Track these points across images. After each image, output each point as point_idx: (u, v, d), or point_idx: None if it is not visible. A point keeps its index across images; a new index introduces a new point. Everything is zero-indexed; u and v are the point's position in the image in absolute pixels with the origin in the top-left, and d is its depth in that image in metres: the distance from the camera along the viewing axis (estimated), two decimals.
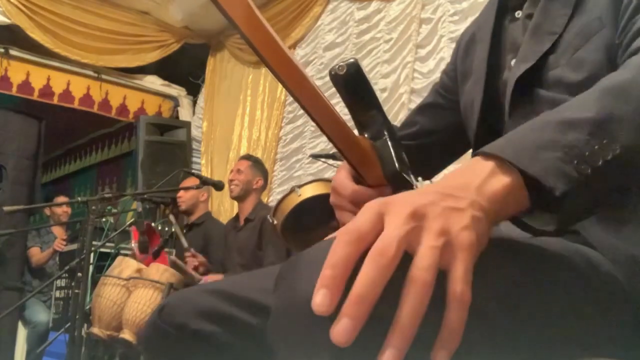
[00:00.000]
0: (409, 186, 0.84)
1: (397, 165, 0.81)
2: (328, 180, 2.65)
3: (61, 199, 5.00)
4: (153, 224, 3.41)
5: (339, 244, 0.47)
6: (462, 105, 1.05)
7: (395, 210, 0.48)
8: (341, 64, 0.81)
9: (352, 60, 0.82)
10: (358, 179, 0.86)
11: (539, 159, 0.56)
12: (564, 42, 0.86)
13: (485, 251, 0.52)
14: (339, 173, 0.90)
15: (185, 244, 3.32)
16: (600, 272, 0.67)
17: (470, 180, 0.55)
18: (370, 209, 0.49)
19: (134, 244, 3.42)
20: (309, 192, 2.54)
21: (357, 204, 0.85)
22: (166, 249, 3.43)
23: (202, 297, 0.92)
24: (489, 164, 0.57)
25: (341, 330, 0.44)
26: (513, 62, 0.93)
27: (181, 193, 3.73)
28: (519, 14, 0.96)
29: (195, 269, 3.28)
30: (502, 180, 0.55)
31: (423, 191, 0.52)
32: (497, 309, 0.54)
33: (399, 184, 0.83)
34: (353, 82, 0.82)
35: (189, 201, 3.77)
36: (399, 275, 0.46)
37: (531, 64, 0.86)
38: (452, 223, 0.49)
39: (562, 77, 0.84)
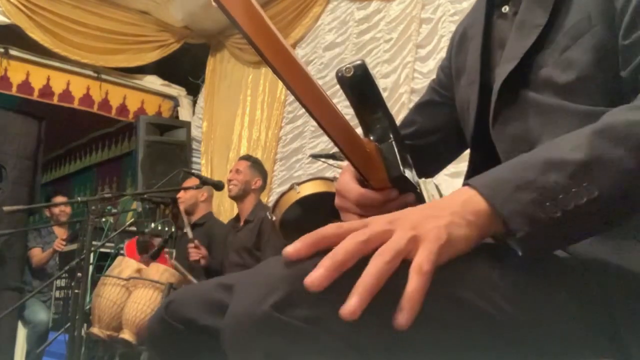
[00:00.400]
0: (412, 188, 0.85)
1: (402, 168, 0.81)
2: (327, 179, 2.65)
3: (59, 198, 5.00)
4: (152, 224, 3.40)
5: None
6: (457, 103, 1.05)
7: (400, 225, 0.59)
8: (348, 65, 0.81)
9: (359, 62, 0.82)
10: (363, 181, 0.86)
11: (512, 199, 0.62)
12: (552, 40, 0.85)
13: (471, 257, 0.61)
14: (343, 175, 0.90)
15: (190, 234, 3.33)
16: (576, 275, 0.69)
17: (454, 201, 0.64)
18: (381, 223, 0.59)
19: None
20: (307, 189, 2.55)
21: (362, 206, 0.85)
22: (166, 249, 3.43)
23: (209, 291, 0.90)
24: (472, 192, 0.64)
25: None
26: (500, 56, 0.92)
27: (181, 193, 3.73)
28: (505, 9, 0.95)
29: (197, 261, 3.29)
30: (480, 204, 0.63)
31: (420, 211, 0.62)
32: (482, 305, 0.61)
33: (404, 187, 0.84)
34: (360, 84, 0.82)
35: (188, 201, 3.77)
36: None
37: (516, 62, 0.85)
38: (428, 224, 0.59)
39: (550, 77, 0.83)
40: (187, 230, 3.37)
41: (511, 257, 0.67)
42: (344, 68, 0.81)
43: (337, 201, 0.90)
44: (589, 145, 0.64)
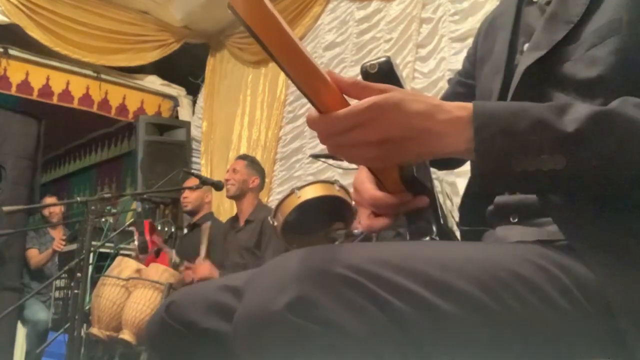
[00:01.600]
0: (425, 191, 0.84)
1: (414, 171, 0.81)
2: (328, 182, 2.65)
3: (49, 199, 5.00)
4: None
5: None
6: (478, 91, 1.05)
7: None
8: (373, 61, 0.80)
9: (384, 58, 0.81)
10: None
11: (492, 140, 0.68)
12: (580, 36, 0.84)
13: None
14: (358, 173, 0.89)
15: (202, 253, 3.29)
16: (573, 275, 0.70)
17: (436, 132, 0.69)
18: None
19: (136, 242, 3.41)
20: (308, 193, 2.54)
21: (375, 208, 0.84)
22: (166, 250, 3.42)
23: (212, 293, 0.90)
24: (465, 122, 0.70)
25: None
26: (525, 46, 0.91)
27: (187, 193, 3.71)
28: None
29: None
30: (466, 130, 0.70)
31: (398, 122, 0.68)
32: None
33: (417, 189, 0.83)
34: (384, 82, 0.80)
35: (195, 202, 3.77)
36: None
37: (543, 52, 0.85)
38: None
39: (572, 72, 0.83)
40: (202, 248, 3.33)
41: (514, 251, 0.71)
42: (369, 64, 0.80)
43: (354, 196, 0.90)
44: (583, 122, 0.68)
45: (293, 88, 4.49)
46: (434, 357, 0.61)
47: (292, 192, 2.49)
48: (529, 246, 0.75)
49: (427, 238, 0.83)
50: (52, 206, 4.85)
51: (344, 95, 0.68)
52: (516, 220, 0.86)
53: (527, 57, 0.87)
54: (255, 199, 3.48)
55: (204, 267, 3.14)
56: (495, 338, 0.65)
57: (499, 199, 0.89)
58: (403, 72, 3.56)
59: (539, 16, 0.91)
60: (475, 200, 0.94)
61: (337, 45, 4.16)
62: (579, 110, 0.70)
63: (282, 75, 4.57)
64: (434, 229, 0.84)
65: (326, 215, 2.45)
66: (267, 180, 4.04)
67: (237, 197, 3.45)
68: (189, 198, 3.74)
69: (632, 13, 0.81)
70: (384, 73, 0.79)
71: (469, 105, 0.71)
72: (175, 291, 1.04)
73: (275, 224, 2.51)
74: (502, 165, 0.68)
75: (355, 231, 2.36)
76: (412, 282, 0.61)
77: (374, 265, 0.60)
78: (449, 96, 1.14)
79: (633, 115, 0.69)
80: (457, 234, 0.96)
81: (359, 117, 0.65)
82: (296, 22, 4.42)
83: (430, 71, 3.42)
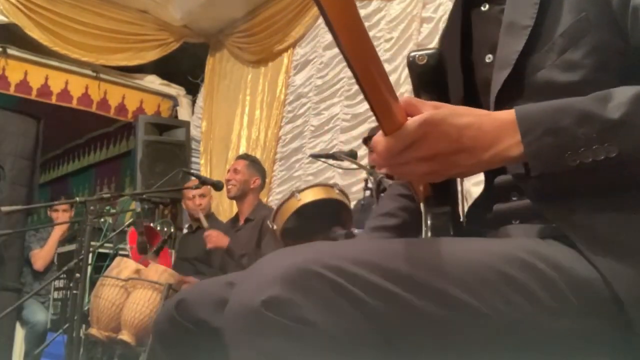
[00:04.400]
0: (450, 192, 0.88)
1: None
2: (327, 185, 2.64)
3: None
4: (152, 224, 3.38)
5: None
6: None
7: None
8: (422, 53, 0.81)
9: (434, 50, 0.81)
10: None
11: (541, 140, 0.69)
12: (546, 41, 0.82)
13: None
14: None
15: (205, 224, 3.36)
16: (568, 274, 0.70)
17: (486, 140, 0.71)
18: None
19: (129, 247, 3.41)
20: (308, 196, 2.53)
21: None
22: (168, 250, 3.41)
23: (220, 290, 0.90)
24: (511, 126, 0.71)
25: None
26: (488, 58, 0.91)
27: (199, 201, 3.71)
28: (485, 6, 0.93)
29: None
30: (514, 137, 0.71)
31: (451, 139, 0.69)
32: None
33: (441, 192, 0.88)
34: (429, 75, 0.81)
35: (207, 206, 3.76)
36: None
37: (510, 69, 0.83)
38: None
39: (550, 78, 0.81)
40: (203, 222, 3.40)
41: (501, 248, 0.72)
42: (417, 55, 0.81)
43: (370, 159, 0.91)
44: (627, 107, 0.68)
45: (292, 88, 4.48)
46: (411, 355, 0.63)
47: (292, 195, 2.48)
48: (520, 243, 0.75)
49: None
50: (51, 206, 4.83)
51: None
52: (518, 222, 0.86)
53: (498, 75, 0.85)
54: (256, 199, 3.47)
55: (215, 235, 3.19)
56: (477, 338, 0.65)
57: (497, 206, 0.89)
58: (404, 72, 3.55)
59: (497, 26, 0.88)
60: (482, 209, 0.93)
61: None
62: (621, 95, 0.70)
63: (282, 75, 4.56)
64: (451, 232, 0.86)
65: (325, 218, 2.45)
66: (266, 179, 4.03)
67: (239, 198, 3.43)
68: (204, 204, 3.74)
69: (596, 8, 0.79)
70: (431, 66, 0.80)
71: (512, 110, 0.72)
72: (186, 289, 1.05)
73: (275, 227, 2.50)
74: (556, 163, 0.69)
75: (355, 232, 2.36)
76: (391, 282, 0.62)
77: (352, 265, 0.62)
78: None
79: None
80: None
81: (413, 135, 0.67)
82: (296, 21, 4.41)
83: None
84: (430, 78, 0.83)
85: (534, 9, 0.83)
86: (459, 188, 0.91)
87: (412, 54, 0.82)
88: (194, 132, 5.24)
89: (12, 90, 4.62)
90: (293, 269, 0.61)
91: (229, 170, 3.53)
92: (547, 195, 0.74)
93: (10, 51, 4.57)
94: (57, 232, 4.64)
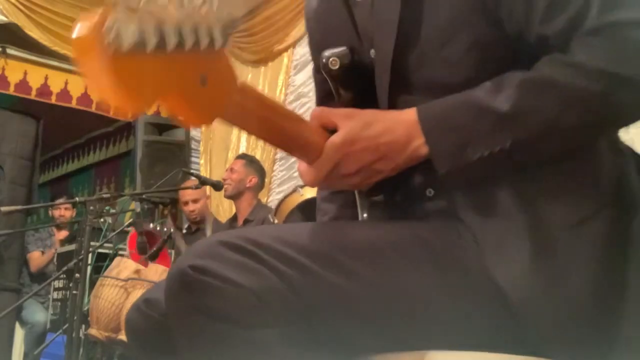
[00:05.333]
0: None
1: None
2: None
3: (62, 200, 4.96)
4: (151, 225, 3.38)
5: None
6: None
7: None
8: (333, 56, 0.81)
9: (343, 50, 0.82)
10: None
11: (443, 139, 0.75)
12: (419, 37, 0.79)
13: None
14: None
15: (182, 247, 3.28)
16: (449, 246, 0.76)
17: (399, 144, 0.76)
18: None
19: (129, 252, 3.40)
20: (311, 192, 2.52)
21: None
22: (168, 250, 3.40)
23: None
24: (415, 129, 0.76)
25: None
26: (372, 53, 0.85)
27: (192, 207, 3.69)
28: None
29: None
30: (418, 137, 0.76)
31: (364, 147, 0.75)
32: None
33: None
34: (344, 75, 0.83)
35: (200, 210, 3.74)
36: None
37: (388, 73, 0.81)
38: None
39: (433, 79, 0.79)
40: (179, 242, 3.32)
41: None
42: (330, 59, 0.81)
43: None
44: (516, 96, 0.72)
45: (292, 88, 4.48)
46: (321, 316, 0.70)
47: (295, 190, 2.48)
48: (433, 225, 0.81)
49: None
50: (50, 206, 4.82)
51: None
52: (432, 194, 0.85)
53: (382, 77, 0.83)
54: (253, 198, 3.46)
55: None
56: (371, 306, 0.72)
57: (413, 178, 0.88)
58: None
59: (370, 18, 0.84)
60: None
61: None
62: (510, 82, 0.73)
63: (282, 75, 4.56)
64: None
65: None
66: (266, 180, 4.02)
67: (235, 197, 3.43)
68: (197, 211, 3.72)
69: (470, 2, 0.76)
70: (345, 67, 0.82)
71: (415, 110, 0.76)
72: (149, 288, 1.07)
73: (277, 222, 2.49)
74: (459, 159, 0.74)
75: None
76: (297, 253, 0.70)
77: (268, 239, 0.71)
78: (323, 96, 1.01)
79: (561, 75, 0.72)
80: None
81: (333, 159, 0.74)
82: (296, 21, 4.41)
83: None
84: (346, 78, 0.83)
85: (398, 3, 0.78)
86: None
87: (324, 56, 0.81)
88: (193, 132, 5.24)
89: (11, 90, 4.62)
90: (212, 243, 0.70)
91: (226, 171, 3.53)
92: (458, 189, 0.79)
93: (10, 51, 4.57)
94: (60, 236, 4.65)
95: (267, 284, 0.68)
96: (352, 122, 0.75)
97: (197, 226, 3.75)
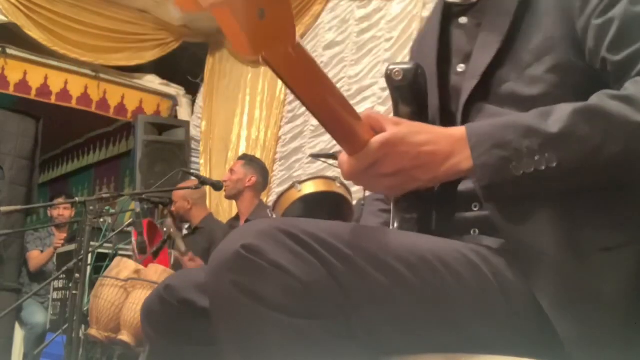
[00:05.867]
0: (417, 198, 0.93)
1: None
2: (328, 178, 2.62)
3: (60, 199, 4.95)
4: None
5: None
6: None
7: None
8: (398, 68, 0.87)
9: (410, 65, 0.87)
10: None
11: (488, 154, 0.78)
12: (514, 57, 0.91)
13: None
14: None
15: (182, 247, 3.26)
16: (494, 267, 0.80)
17: (441, 155, 0.79)
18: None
19: (134, 241, 3.38)
20: (309, 188, 2.52)
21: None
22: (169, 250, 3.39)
23: (203, 275, 0.94)
24: (462, 143, 0.80)
25: None
26: (460, 67, 0.98)
27: (174, 207, 3.70)
28: (464, 20, 1.00)
29: None
30: (464, 152, 0.80)
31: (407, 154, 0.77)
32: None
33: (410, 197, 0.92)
34: (405, 90, 0.88)
35: (180, 210, 3.74)
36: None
37: (477, 81, 0.92)
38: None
39: (514, 91, 0.90)
40: (179, 243, 3.29)
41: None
42: (395, 69, 0.87)
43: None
44: (566, 121, 0.76)
45: None
46: (362, 312, 0.72)
47: (292, 186, 2.47)
48: (469, 244, 0.85)
49: None
50: (49, 206, 4.82)
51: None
52: (477, 233, 0.92)
53: (467, 84, 0.94)
54: (254, 197, 3.45)
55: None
56: (411, 307, 0.74)
57: (459, 215, 0.95)
58: None
59: (473, 39, 0.97)
60: (444, 216, 0.99)
61: (337, 44, 4.14)
62: (561, 110, 0.78)
63: None
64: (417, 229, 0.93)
65: (325, 211, 2.44)
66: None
67: (235, 197, 3.43)
68: (175, 209, 3.74)
69: (562, 30, 0.88)
70: (408, 81, 0.86)
71: (464, 127, 0.81)
72: (169, 276, 1.12)
73: (274, 217, 2.48)
74: (502, 173, 0.77)
75: None
76: (351, 251, 0.72)
77: (323, 233, 0.72)
78: None
79: (611, 106, 0.77)
80: None
81: (374, 155, 0.75)
82: (296, 20, 4.37)
83: None
84: (407, 93, 0.88)
85: (506, 28, 0.92)
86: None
87: (390, 67, 0.87)
88: (193, 132, 5.23)
89: (11, 90, 4.61)
90: (269, 227, 0.71)
91: (227, 172, 3.52)
92: (498, 203, 0.82)
93: (9, 51, 4.56)
94: (60, 237, 4.64)
95: (316, 276, 0.69)
96: (399, 127, 0.77)
97: (196, 224, 3.75)
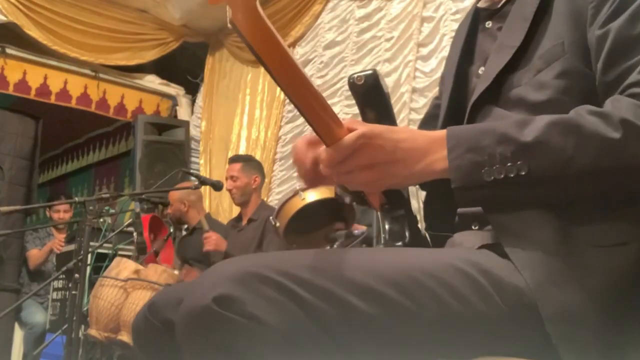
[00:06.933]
0: (402, 200, 0.94)
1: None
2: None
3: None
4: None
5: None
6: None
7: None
8: (360, 74, 0.88)
9: (371, 71, 0.88)
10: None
11: (463, 156, 0.79)
12: (526, 62, 0.92)
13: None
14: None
15: (206, 226, 3.25)
16: (494, 279, 0.77)
17: (417, 152, 0.81)
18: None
19: (135, 241, 3.39)
20: (312, 195, 2.51)
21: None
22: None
23: (185, 291, 0.92)
24: (440, 143, 0.81)
25: None
26: (481, 70, 1.00)
27: (170, 209, 3.70)
28: (489, 24, 1.03)
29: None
30: (442, 151, 0.81)
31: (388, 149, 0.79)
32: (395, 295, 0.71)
33: (394, 198, 0.93)
34: (369, 94, 0.88)
35: (176, 213, 3.74)
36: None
37: (489, 83, 0.94)
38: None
39: (522, 95, 0.91)
40: (204, 222, 3.29)
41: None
42: (356, 76, 0.88)
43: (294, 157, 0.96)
44: (540, 131, 0.78)
45: None
46: (351, 352, 0.68)
47: (296, 194, 2.46)
48: (455, 252, 0.84)
49: (400, 243, 0.92)
50: (50, 206, 4.81)
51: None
52: (477, 227, 0.94)
53: (480, 85, 0.96)
54: (259, 197, 3.46)
55: (214, 238, 3.14)
56: (410, 335, 0.72)
57: (460, 210, 0.97)
58: (404, 72, 3.55)
59: (492, 42, 1.00)
60: (439, 207, 1.02)
61: (337, 44, 4.13)
62: (538, 121, 0.79)
63: None
64: (407, 234, 0.93)
65: (328, 216, 2.43)
66: (266, 180, 4.02)
67: (245, 203, 3.42)
68: (171, 211, 3.72)
69: (573, 36, 0.89)
70: (370, 85, 0.87)
71: (445, 130, 0.82)
72: (156, 293, 1.11)
73: (278, 224, 2.48)
74: (474, 177, 0.78)
75: (356, 232, 2.34)
76: (332, 284, 0.68)
77: (299, 269, 0.68)
78: (427, 117, 1.22)
79: (586, 121, 0.78)
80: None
81: (352, 145, 0.76)
82: (296, 20, 4.40)
83: (431, 70, 3.40)
84: (370, 96, 0.89)
85: (522, 33, 0.93)
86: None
87: (351, 75, 0.89)
88: (193, 131, 5.23)
89: (11, 90, 4.60)
90: (242, 271, 0.66)
91: (227, 179, 3.48)
92: (471, 205, 0.84)
93: (9, 50, 4.55)
94: (59, 238, 4.63)
95: (295, 323, 0.65)
96: (377, 126, 0.80)
97: (194, 225, 3.74)
